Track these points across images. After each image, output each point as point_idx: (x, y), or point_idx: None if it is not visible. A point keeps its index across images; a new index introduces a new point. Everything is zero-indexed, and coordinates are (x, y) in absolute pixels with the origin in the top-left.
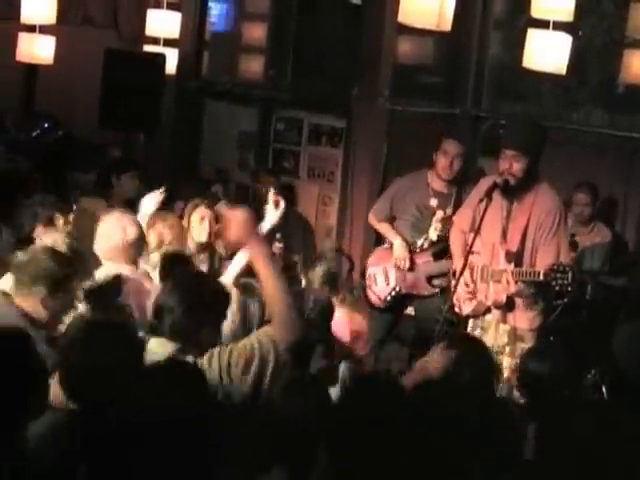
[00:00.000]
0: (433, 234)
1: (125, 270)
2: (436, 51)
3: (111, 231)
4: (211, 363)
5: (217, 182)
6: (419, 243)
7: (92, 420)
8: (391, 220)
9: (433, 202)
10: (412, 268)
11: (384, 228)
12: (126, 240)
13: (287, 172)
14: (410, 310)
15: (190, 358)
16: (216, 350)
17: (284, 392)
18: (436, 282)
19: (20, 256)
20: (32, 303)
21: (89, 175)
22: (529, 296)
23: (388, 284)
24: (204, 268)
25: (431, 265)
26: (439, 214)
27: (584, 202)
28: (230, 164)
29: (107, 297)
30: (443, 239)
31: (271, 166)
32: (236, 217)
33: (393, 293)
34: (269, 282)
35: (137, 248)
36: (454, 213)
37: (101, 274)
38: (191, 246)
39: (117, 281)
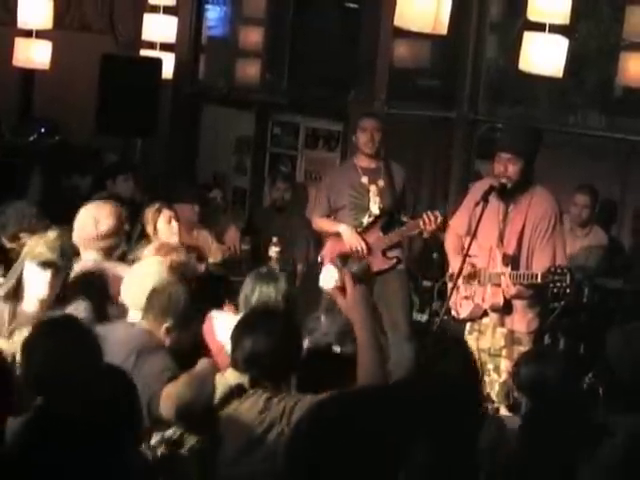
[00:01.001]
0: (374, 208)
1: (99, 260)
2: (432, 55)
3: (85, 222)
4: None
5: (216, 187)
6: (364, 221)
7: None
8: (331, 215)
9: (364, 179)
10: (368, 248)
11: (325, 223)
12: (99, 231)
13: (282, 175)
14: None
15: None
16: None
17: None
18: (390, 254)
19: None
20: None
21: (86, 179)
22: (527, 298)
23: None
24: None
25: (382, 239)
26: (373, 188)
27: (583, 204)
28: (227, 168)
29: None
30: (383, 211)
31: (268, 170)
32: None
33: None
34: (363, 331)
35: (112, 239)
36: (386, 185)
37: (77, 265)
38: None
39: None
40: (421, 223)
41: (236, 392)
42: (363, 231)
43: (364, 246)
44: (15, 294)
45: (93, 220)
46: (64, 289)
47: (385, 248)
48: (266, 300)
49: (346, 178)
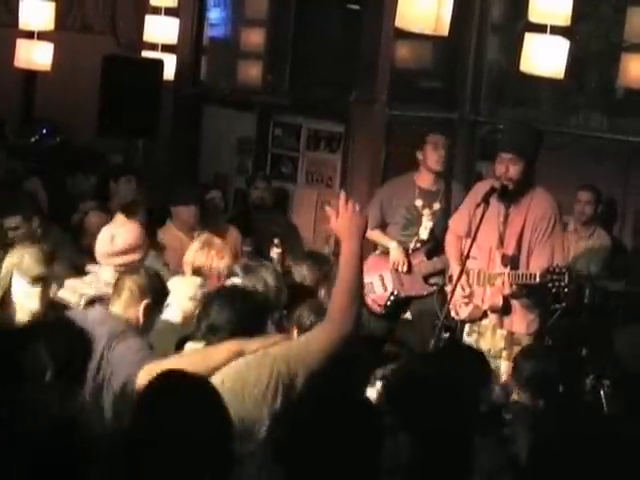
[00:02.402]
0: (423, 233)
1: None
2: (434, 56)
3: (102, 237)
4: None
5: (215, 188)
6: (411, 245)
7: None
8: (383, 227)
9: (419, 202)
10: (409, 270)
11: (376, 235)
12: (115, 248)
13: (285, 177)
14: (407, 315)
15: None
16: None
17: None
18: (432, 280)
19: None
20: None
21: (90, 180)
22: (526, 298)
23: (386, 290)
24: None
25: (426, 264)
26: (426, 212)
27: (586, 200)
28: (229, 169)
29: None
30: (432, 236)
31: (269, 171)
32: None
33: (392, 298)
34: (351, 264)
35: (128, 256)
36: (441, 208)
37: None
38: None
39: None
40: None
41: None
42: (408, 252)
43: (406, 266)
44: (1, 302)
45: (109, 236)
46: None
47: (428, 274)
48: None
49: (402, 196)
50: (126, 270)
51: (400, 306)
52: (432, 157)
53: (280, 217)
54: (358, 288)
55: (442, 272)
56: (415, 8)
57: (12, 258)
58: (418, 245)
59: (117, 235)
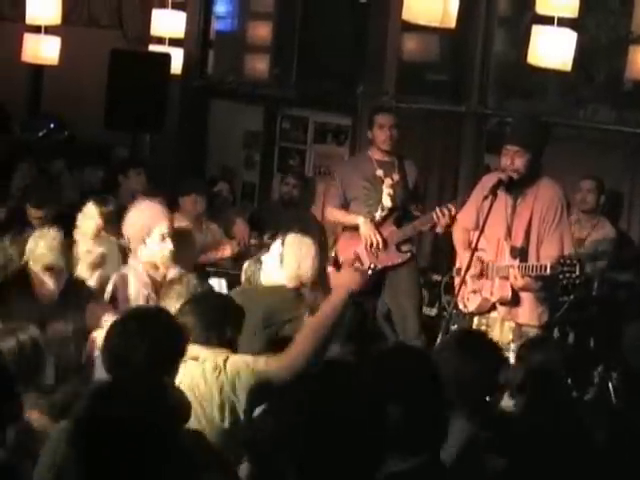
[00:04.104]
0: (387, 201)
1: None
2: (441, 48)
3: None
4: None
5: (221, 180)
6: (377, 215)
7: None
8: (345, 206)
9: (379, 172)
10: (383, 243)
11: (342, 215)
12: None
13: (293, 170)
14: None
15: None
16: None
17: None
18: (404, 248)
19: None
20: None
21: (98, 173)
22: (536, 290)
23: (363, 265)
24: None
25: (396, 233)
26: (387, 181)
27: (588, 188)
28: (236, 163)
29: None
30: (396, 205)
31: (277, 165)
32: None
33: (370, 272)
34: (331, 316)
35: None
36: (399, 179)
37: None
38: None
39: None
40: (435, 217)
41: None
42: (377, 224)
43: (380, 239)
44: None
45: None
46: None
47: (399, 242)
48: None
49: (360, 170)
50: None
51: (378, 279)
52: (380, 137)
53: (306, 213)
54: (325, 338)
55: (412, 239)
56: (422, 1)
57: (29, 248)
58: (384, 214)
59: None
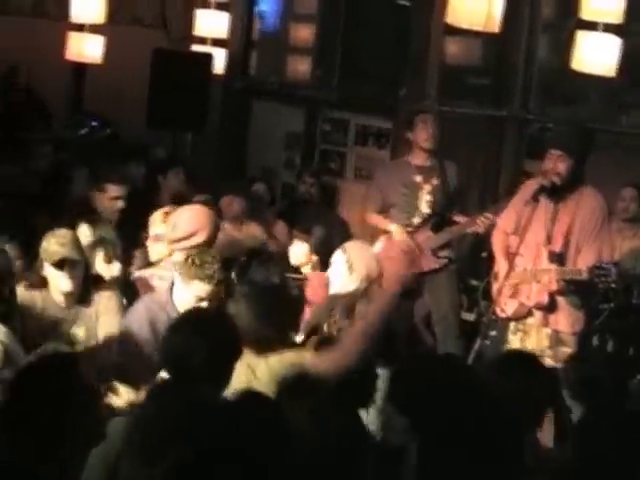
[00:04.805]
0: (425, 207)
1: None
2: (484, 53)
3: (167, 225)
4: None
5: (259, 181)
6: (415, 221)
7: None
8: (384, 211)
9: (418, 178)
10: (419, 248)
11: (377, 219)
12: (174, 236)
13: (333, 173)
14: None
15: None
16: None
17: None
18: (442, 254)
19: None
20: None
21: (140, 169)
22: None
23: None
24: None
25: (433, 238)
26: (426, 187)
27: (630, 196)
28: (276, 164)
29: None
30: (435, 211)
31: (317, 166)
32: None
33: (405, 278)
34: (381, 313)
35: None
36: (439, 183)
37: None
38: None
39: None
40: (473, 225)
41: None
42: (414, 230)
43: (413, 246)
44: (43, 284)
45: (171, 225)
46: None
47: (436, 247)
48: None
49: (399, 175)
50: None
51: (417, 284)
52: (422, 135)
53: (327, 212)
54: (375, 335)
55: (450, 245)
56: (466, 4)
57: (42, 246)
58: (421, 220)
59: (178, 223)
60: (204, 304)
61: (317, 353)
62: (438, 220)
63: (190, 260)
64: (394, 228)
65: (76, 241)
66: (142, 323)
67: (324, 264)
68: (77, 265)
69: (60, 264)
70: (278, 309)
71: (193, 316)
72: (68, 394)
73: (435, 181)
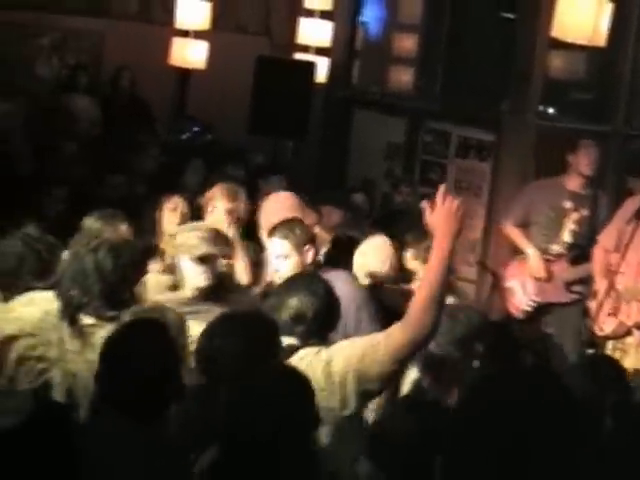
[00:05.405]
0: (567, 236)
1: None
2: (588, 67)
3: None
4: None
5: (359, 191)
6: (555, 249)
7: None
8: (524, 226)
9: (568, 204)
10: (549, 277)
11: (517, 235)
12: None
13: (434, 184)
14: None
15: None
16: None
17: None
18: (575, 288)
19: None
20: None
21: (240, 171)
22: None
23: (526, 294)
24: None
25: (569, 271)
26: (574, 215)
27: None
28: (377, 174)
29: None
30: (577, 243)
31: (418, 178)
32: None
33: (532, 303)
34: (438, 267)
35: None
36: (590, 215)
37: None
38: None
39: None
40: None
41: (288, 352)
42: (552, 258)
43: (544, 274)
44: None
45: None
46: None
47: (570, 281)
48: None
49: (548, 196)
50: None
51: (541, 312)
52: (584, 160)
53: (422, 223)
54: (441, 293)
55: (585, 281)
56: (572, 18)
57: (181, 239)
58: (561, 250)
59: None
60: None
61: (387, 332)
62: (578, 253)
63: None
64: (531, 252)
65: (216, 236)
66: None
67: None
68: (214, 262)
69: (199, 260)
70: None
71: (227, 316)
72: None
73: (585, 212)
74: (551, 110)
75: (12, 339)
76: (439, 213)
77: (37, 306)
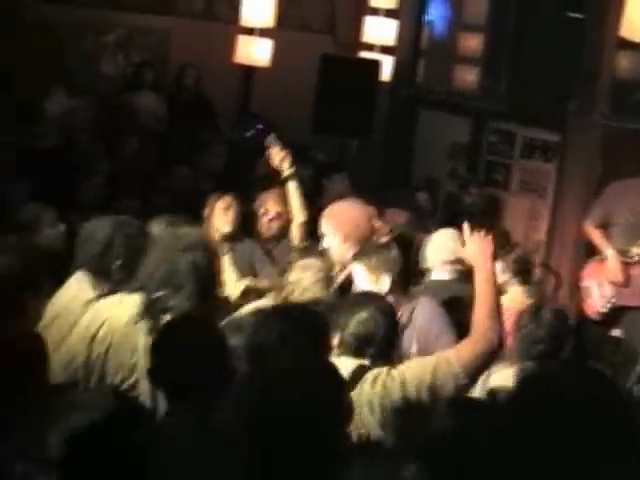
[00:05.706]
0: None
1: None
2: None
3: None
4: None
5: (422, 190)
6: (634, 252)
7: None
8: (605, 227)
9: None
10: (627, 280)
11: (596, 236)
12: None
13: (498, 185)
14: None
15: None
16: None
17: None
18: None
19: None
20: None
21: (308, 170)
22: None
23: (603, 296)
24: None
25: None
26: None
27: None
28: (440, 173)
29: None
30: None
31: (483, 178)
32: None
33: (608, 304)
34: (486, 287)
35: None
36: None
37: None
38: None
39: None
40: None
41: (358, 373)
42: (632, 262)
43: (621, 278)
44: None
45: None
46: None
47: None
48: None
49: (630, 199)
50: None
51: (616, 314)
52: None
53: (491, 224)
54: (496, 307)
55: None
56: None
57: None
58: None
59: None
60: None
61: (456, 348)
62: None
63: None
64: (610, 253)
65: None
66: None
67: None
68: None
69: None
70: None
71: (277, 311)
72: None
73: None
74: (618, 111)
75: (101, 339)
76: (472, 244)
77: (126, 308)
